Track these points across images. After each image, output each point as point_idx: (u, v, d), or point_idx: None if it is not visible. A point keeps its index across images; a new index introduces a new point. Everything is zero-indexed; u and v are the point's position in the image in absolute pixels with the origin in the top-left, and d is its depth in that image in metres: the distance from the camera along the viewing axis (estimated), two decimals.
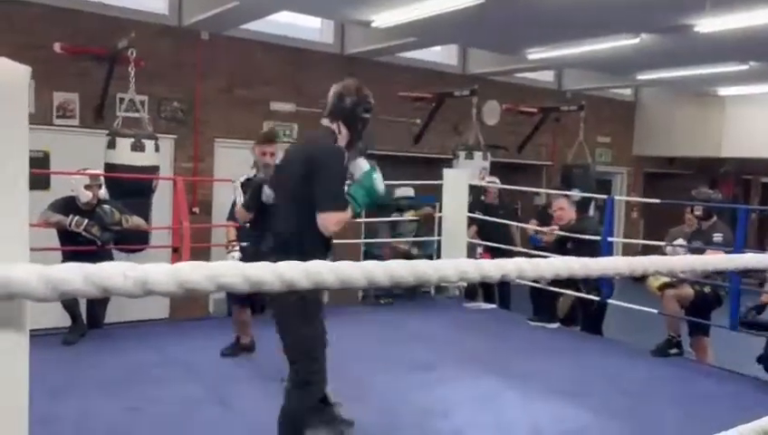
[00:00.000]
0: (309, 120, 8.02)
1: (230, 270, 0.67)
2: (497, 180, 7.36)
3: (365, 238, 7.80)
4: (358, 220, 7.95)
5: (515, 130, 9.86)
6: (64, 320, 4.74)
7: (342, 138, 2.85)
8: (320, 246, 2.76)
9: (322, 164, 2.72)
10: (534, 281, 5.84)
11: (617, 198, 9.05)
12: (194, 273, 0.65)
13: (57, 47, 6.36)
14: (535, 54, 7.67)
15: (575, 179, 8.68)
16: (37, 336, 4.09)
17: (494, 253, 6.31)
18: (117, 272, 0.63)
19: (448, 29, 6.70)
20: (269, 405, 3.68)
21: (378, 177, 2.92)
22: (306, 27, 7.94)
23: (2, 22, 6.08)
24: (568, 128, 9.98)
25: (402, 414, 3.65)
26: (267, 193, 3.84)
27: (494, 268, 0.98)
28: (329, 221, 2.71)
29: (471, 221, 6.70)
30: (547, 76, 10.33)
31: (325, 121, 2.89)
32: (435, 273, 0.77)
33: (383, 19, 6.25)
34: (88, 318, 4.97)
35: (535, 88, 10.17)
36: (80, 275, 0.61)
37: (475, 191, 7.42)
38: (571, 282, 5.45)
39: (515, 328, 5.79)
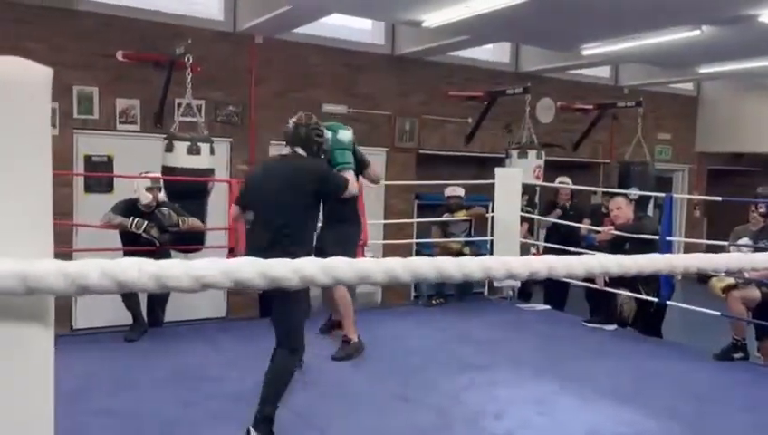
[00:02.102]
0: (360, 122, 8.07)
1: (247, 267, 0.67)
2: (569, 181, 7.23)
3: (416, 238, 7.80)
4: (409, 220, 7.97)
5: (570, 127, 9.66)
6: (126, 318, 4.92)
7: None
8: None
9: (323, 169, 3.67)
10: (589, 281, 5.71)
11: (677, 195, 8.73)
12: (209, 268, 0.67)
13: (119, 55, 6.60)
14: (590, 50, 7.49)
15: (633, 177, 8.44)
16: (101, 333, 4.28)
17: (561, 255, 6.19)
18: (132, 267, 0.65)
19: (500, 26, 6.62)
20: (319, 398, 3.74)
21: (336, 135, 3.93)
22: (357, 29, 7.98)
23: (70, 32, 6.36)
24: (625, 125, 9.70)
25: (454, 414, 3.63)
26: None
27: (540, 265, 0.95)
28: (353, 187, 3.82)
29: (523, 219, 6.60)
30: (603, 72, 10.07)
31: (286, 150, 3.61)
32: (457, 270, 0.76)
33: (434, 19, 6.22)
34: (148, 317, 5.14)
35: (591, 84, 9.93)
36: (96, 270, 0.63)
37: (530, 190, 7.33)
38: (630, 283, 5.30)
39: (571, 330, 5.66)
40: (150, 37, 6.67)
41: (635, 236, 5.32)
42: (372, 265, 0.74)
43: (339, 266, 0.71)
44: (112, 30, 6.57)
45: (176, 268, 0.66)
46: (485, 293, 8.30)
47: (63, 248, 6.00)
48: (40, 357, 0.65)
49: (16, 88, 0.64)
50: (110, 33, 6.56)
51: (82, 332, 6.06)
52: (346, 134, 4.24)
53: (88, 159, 6.68)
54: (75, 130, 6.55)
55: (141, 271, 0.64)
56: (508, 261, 0.86)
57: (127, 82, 6.65)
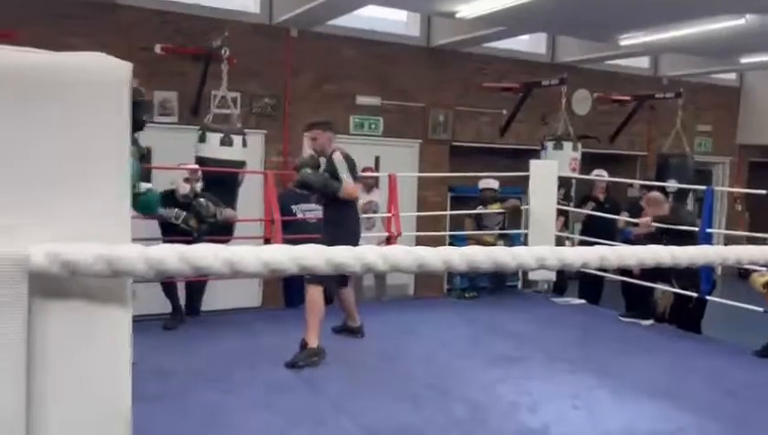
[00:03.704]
0: (394, 114, 8.07)
1: (312, 252, 0.69)
2: (605, 173, 7.14)
3: (450, 231, 7.78)
4: (442, 213, 7.96)
5: (607, 119, 9.51)
6: (165, 307, 5.03)
7: None
8: None
9: None
10: (625, 275, 5.64)
11: (717, 188, 8.56)
12: (278, 254, 0.68)
13: (158, 48, 6.71)
14: (629, 40, 7.36)
15: (672, 170, 8.28)
16: (140, 322, 4.38)
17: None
18: (209, 252, 0.67)
19: (537, 17, 6.55)
20: (355, 388, 3.78)
21: None
22: (392, 21, 7.98)
23: (110, 26, 6.48)
24: (664, 116, 9.51)
25: (489, 407, 3.62)
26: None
27: (574, 255, 0.95)
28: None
29: (558, 213, 6.54)
30: (642, 62, 9.88)
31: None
32: (486, 259, 0.76)
33: (469, 9, 6.18)
34: (186, 306, 5.24)
35: (629, 75, 9.75)
36: (176, 256, 0.66)
37: (566, 183, 7.25)
38: (663, 276, 5.22)
39: (606, 324, 5.60)
40: (188, 30, 6.77)
41: (673, 228, 5.23)
42: (430, 254, 0.75)
43: (398, 255, 0.72)
44: (151, 24, 6.68)
45: (246, 253, 0.68)
46: (519, 286, 8.25)
47: None
48: (120, 336, 0.68)
49: (98, 82, 0.67)
50: (148, 27, 6.67)
51: None
52: None
53: None
54: None
55: (217, 257, 0.66)
56: (561, 251, 0.86)
57: (165, 74, 6.75)
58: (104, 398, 0.68)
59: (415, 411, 3.52)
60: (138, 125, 3.85)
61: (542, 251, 0.83)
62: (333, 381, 3.89)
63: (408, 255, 0.73)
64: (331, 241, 4.58)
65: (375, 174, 6.65)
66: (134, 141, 3.93)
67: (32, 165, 0.64)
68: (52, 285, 0.63)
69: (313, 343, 4.15)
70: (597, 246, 0.93)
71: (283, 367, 4.04)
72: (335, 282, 4.48)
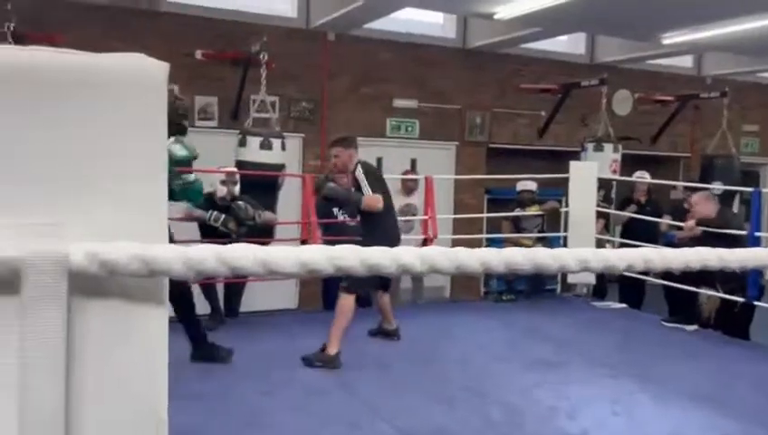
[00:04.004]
0: (430, 116, 8.06)
1: (349, 253, 0.69)
2: (647, 175, 7.01)
3: (487, 234, 7.72)
4: (479, 215, 7.90)
5: (649, 120, 9.31)
6: (204, 308, 5.11)
7: None
8: None
9: None
10: (668, 279, 5.51)
11: (765, 190, 8.28)
12: (315, 254, 0.69)
13: (198, 54, 6.82)
14: (671, 39, 7.19)
15: (717, 172, 8.05)
16: (178, 323, 4.46)
17: None
18: (246, 253, 0.68)
19: (576, 17, 6.45)
20: (391, 390, 3.77)
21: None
22: (428, 23, 7.97)
23: (152, 32, 6.63)
24: (708, 116, 9.26)
25: (526, 411, 3.58)
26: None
27: (617, 258, 0.93)
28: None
29: (598, 215, 6.43)
30: (685, 61, 9.64)
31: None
32: (526, 261, 0.75)
33: (506, 10, 6.13)
34: (225, 308, 5.32)
35: (671, 74, 9.53)
36: (213, 256, 0.66)
37: (606, 185, 7.13)
38: (708, 280, 5.08)
39: (648, 329, 5.48)
40: (227, 36, 6.87)
41: (719, 232, 5.09)
42: (467, 255, 0.74)
43: (436, 256, 0.72)
44: (191, 29, 6.81)
45: (282, 254, 0.69)
46: (558, 290, 8.13)
47: None
48: (157, 335, 0.69)
49: (136, 82, 0.68)
50: (189, 33, 6.80)
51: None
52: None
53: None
54: None
55: (253, 257, 0.67)
56: (604, 253, 0.85)
57: (205, 79, 6.87)
58: (141, 398, 0.69)
59: (450, 414, 3.50)
60: (182, 129, 3.95)
61: (584, 253, 0.81)
62: (369, 384, 3.89)
63: (443, 256, 0.73)
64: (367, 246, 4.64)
65: (415, 176, 6.62)
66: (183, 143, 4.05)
67: (71, 164, 0.66)
68: (91, 284, 0.65)
69: (333, 349, 4.14)
70: (641, 248, 0.91)
71: (319, 370, 4.06)
72: (376, 286, 4.51)
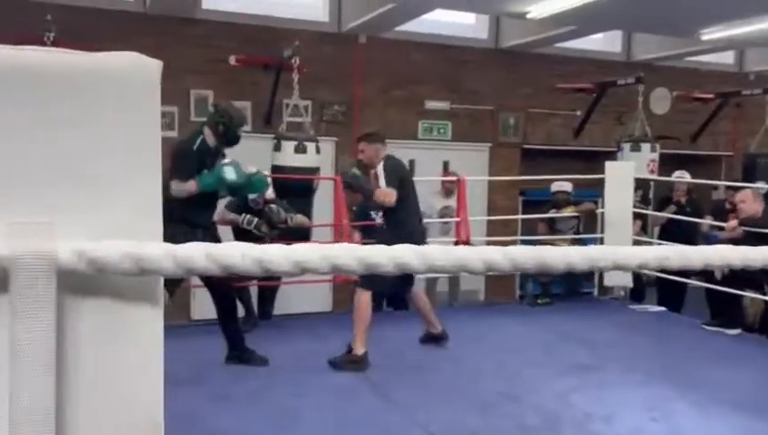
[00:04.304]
0: (463, 118, 8.00)
1: (345, 252, 0.68)
2: (687, 175, 6.84)
3: (521, 236, 7.64)
4: (513, 217, 7.82)
5: (689, 118, 9.08)
6: (239, 311, 5.15)
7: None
8: None
9: None
10: (710, 281, 5.37)
11: None
12: (308, 253, 0.68)
13: (232, 60, 6.92)
14: (711, 34, 7.00)
15: (760, 170, 7.80)
16: (216, 324, 4.53)
17: None
18: (236, 251, 0.67)
19: (610, 14, 6.34)
20: (424, 394, 3.75)
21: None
22: (460, 24, 7.92)
23: (187, 39, 6.75)
24: (751, 113, 8.98)
25: (561, 417, 3.52)
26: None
27: (652, 256, 0.89)
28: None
29: (635, 216, 6.29)
30: (726, 58, 9.38)
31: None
32: (533, 262, 0.72)
33: (539, 9, 6.05)
34: (259, 310, 5.37)
35: (712, 71, 9.28)
36: (202, 254, 0.66)
37: (644, 185, 6.99)
38: (753, 282, 4.92)
39: (688, 332, 5.33)
40: (260, 41, 6.94)
41: (763, 232, 4.92)
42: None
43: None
44: (225, 36, 6.90)
45: (276, 251, 0.68)
46: (595, 293, 7.99)
47: None
48: (151, 336, 0.69)
49: (129, 81, 0.69)
50: (223, 39, 6.89)
51: (200, 322, 6.42)
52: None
53: None
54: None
55: (245, 255, 0.66)
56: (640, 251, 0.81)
57: (239, 84, 6.95)
58: (135, 400, 0.68)
59: (484, 419, 3.45)
60: (230, 140, 4.05)
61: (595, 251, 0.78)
62: (402, 387, 3.87)
63: (442, 253, 0.71)
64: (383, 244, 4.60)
65: (453, 178, 6.57)
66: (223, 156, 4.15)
67: (63, 163, 0.66)
68: (82, 283, 0.65)
69: (359, 350, 4.14)
70: (672, 246, 0.88)
71: (350, 372, 4.06)
72: (398, 285, 4.48)
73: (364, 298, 4.18)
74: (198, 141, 3.99)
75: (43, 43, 5.46)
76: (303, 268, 0.65)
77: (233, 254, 0.67)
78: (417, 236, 4.38)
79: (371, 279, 4.06)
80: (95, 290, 0.65)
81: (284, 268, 0.67)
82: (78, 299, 0.64)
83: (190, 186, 3.89)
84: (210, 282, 4.05)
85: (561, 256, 0.75)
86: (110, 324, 0.66)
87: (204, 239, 0.73)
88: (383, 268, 0.68)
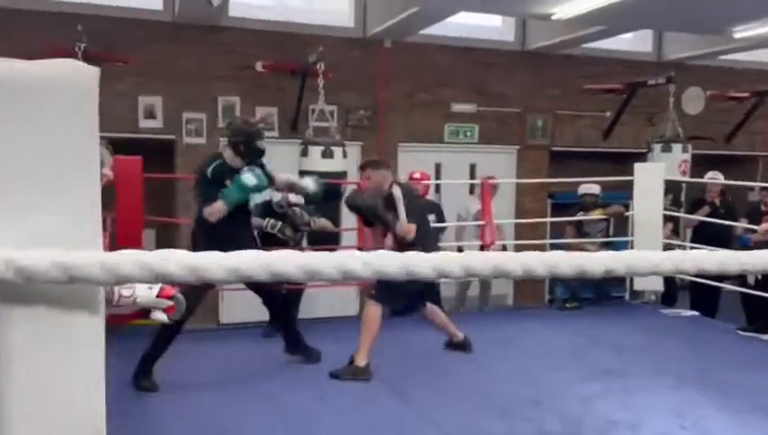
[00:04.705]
0: (490, 120, 7.95)
1: (282, 260, 0.68)
2: (720, 176, 6.68)
3: (550, 239, 7.54)
4: (541, 220, 7.72)
5: (723, 118, 8.85)
6: (264, 315, 5.19)
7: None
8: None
9: None
10: (744, 285, 5.23)
11: None
12: (246, 261, 0.67)
13: (259, 66, 6.98)
14: (745, 32, 6.83)
15: None
16: (242, 328, 4.56)
17: None
18: (170, 259, 0.67)
19: (638, 13, 6.23)
20: (445, 398, 3.72)
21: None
22: (486, 26, 7.87)
23: (216, 46, 6.84)
24: None
25: (585, 423, 3.46)
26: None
27: (690, 261, 0.87)
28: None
29: (666, 219, 6.15)
30: (762, 56, 9.12)
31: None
32: (544, 267, 0.70)
33: (565, 10, 5.98)
34: None
35: (747, 69, 9.04)
36: (134, 262, 0.66)
37: (675, 187, 6.84)
38: None
39: (720, 337, 5.20)
40: (287, 47, 7.00)
41: None
42: (444, 259, 0.72)
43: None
44: (252, 42, 6.98)
45: (212, 261, 0.68)
46: (626, 297, 7.83)
47: None
48: (89, 343, 0.69)
49: (66, 87, 0.69)
50: (250, 46, 6.97)
51: (228, 326, 6.49)
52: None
53: None
54: (221, 139, 7.01)
55: (178, 263, 0.66)
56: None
57: (265, 90, 7.03)
58: (74, 408, 0.68)
59: (503, 422, 3.42)
60: (251, 153, 4.02)
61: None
62: (424, 392, 3.85)
63: (423, 260, 0.70)
64: (384, 287, 4.47)
65: (496, 180, 6.47)
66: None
67: None
68: (13, 292, 0.65)
69: (361, 361, 4.08)
70: (705, 249, 0.85)
71: (374, 375, 4.05)
72: (413, 301, 4.45)
73: (374, 311, 4.12)
74: (213, 166, 3.95)
75: (74, 53, 5.60)
76: (240, 276, 0.65)
77: (166, 260, 0.66)
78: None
79: (387, 296, 4.05)
80: (27, 298, 0.65)
81: (219, 276, 0.66)
82: (8, 308, 0.64)
83: (218, 206, 3.87)
84: (256, 286, 4.08)
85: (583, 262, 0.73)
86: (43, 332, 0.66)
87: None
88: (357, 273, 0.67)
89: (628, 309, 6.59)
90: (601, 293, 6.58)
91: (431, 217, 5.34)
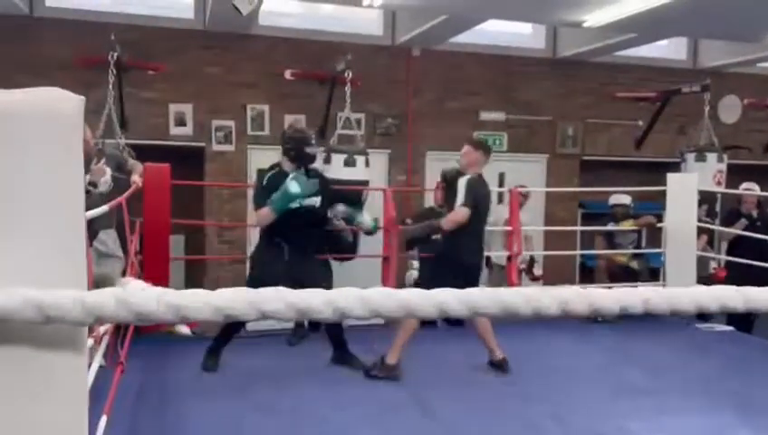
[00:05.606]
0: (519, 129, 7.86)
1: (271, 296, 0.64)
2: (756, 187, 6.50)
3: (580, 250, 7.42)
4: (570, 229, 7.60)
5: (761, 127, 8.63)
6: (289, 323, 5.19)
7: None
8: None
9: None
10: None
11: None
12: (231, 300, 0.64)
13: (288, 74, 7.03)
14: None
15: None
16: (266, 336, 4.56)
17: (747, 272, 5.42)
18: (151, 297, 0.64)
19: (672, 21, 6.09)
20: (469, 411, 3.65)
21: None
22: (516, 33, 7.80)
23: (245, 54, 6.91)
24: None
25: None
26: None
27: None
28: None
29: (701, 230, 5.99)
30: None
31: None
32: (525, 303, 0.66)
33: (595, 18, 5.89)
34: (309, 322, 5.37)
35: None
36: (113, 300, 0.63)
37: (710, 198, 6.67)
38: None
39: (757, 354, 5.03)
40: (316, 55, 7.03)
41: None
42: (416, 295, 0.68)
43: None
44: (281, 51, 7.02)
45: (195, 299, 0.65)
46: None
47: (238, 255, 6.50)
48: (72, 388, 0.66)
49: (48, 119, 0.67)
50: (279, 54, 7.02)
51: (253, 334, 6.50)
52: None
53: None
54: (249, 146, 7.06)
55: (160, 302, 0.63)
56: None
57: (294, 98, 7.06)
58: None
59: None
60: (302, 159, 4.12)
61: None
62: (447, 403, 3.79)
63: (387, 298, 0.66)
64: (428, 278, 4.54)
65: (527, 189, 6.41)
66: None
67: None
68: None
69: (392, 360, 4.16)
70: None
71: (397, 385, 4.01)
72: None
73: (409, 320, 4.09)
74: (270, 174, 4.15)
75: (107, 62, 5.69)
76: (225, 315, 0.62)
77: (146, 300, 0.64)
78: (473, 270, 4.34)
79: None
80: (5, 338, 0.63)
81: (204, 314, 0.64)
82: None
83: (263, 212, 4.06)
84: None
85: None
86: (21, 376, 0.63)
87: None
88: (318, 315, 0.64)
89: (661, 323, 6.38)
90: None
91: None
